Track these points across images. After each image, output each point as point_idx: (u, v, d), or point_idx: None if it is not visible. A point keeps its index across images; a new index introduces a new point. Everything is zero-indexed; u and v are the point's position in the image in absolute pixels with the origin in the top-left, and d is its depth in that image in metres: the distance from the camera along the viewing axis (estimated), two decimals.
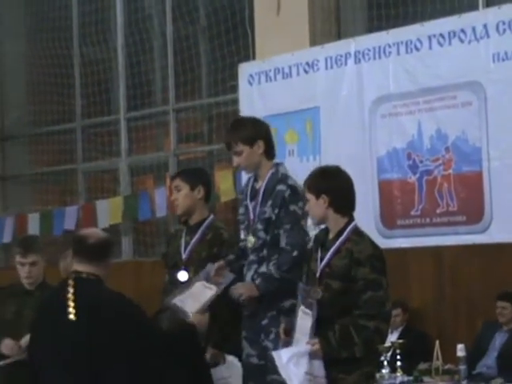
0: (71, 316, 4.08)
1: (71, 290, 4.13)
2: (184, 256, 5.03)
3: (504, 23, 7.07)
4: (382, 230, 7.70)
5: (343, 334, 3.94)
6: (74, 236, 4.47)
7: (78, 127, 10.92)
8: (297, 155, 8.25)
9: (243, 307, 4.70)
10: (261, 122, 4.93)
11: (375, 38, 7.85)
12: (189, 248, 5.02)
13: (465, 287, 7.38)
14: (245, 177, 7.17)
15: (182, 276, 4.98)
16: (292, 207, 4.63)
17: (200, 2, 9.88)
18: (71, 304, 4.09)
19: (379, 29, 8.10)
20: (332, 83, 8.04)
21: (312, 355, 3.95)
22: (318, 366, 3.96)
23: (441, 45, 7.40)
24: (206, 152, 9.92)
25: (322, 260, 4.11)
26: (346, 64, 7.96)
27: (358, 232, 4.12)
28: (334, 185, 4.13)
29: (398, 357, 6.37)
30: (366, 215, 7.15)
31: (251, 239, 4.72)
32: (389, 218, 7.74)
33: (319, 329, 3.97)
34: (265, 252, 4.69)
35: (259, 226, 4.69)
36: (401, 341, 6.63)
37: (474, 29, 7.20)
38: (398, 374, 6.33)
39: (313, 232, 4.48)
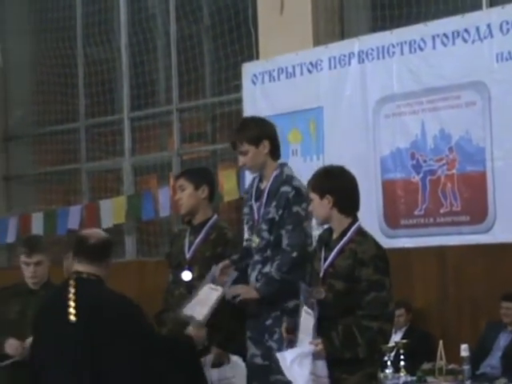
0: (71, 317, 4.08)
1: (72, 291, 4.14)
2: (188, 256, 5.03)
3: (508, 23, 7.07)
4: (386, 229, 7.70)
5: (346, 334, 3.94)
6: (74, 236, 4.48)
7: (81, 127, 10.93)
8: (300, 155, 8.25)
9: (239, 308, 4.70)
10: (267, 122, 4.92)
11: (379, 38, 7.85)
12: (193, 248, 5.02)
13: (468, 287, 7.38)
14: (248, 176, 7.18)
15: (186, 276, 4.99)
16: (295, 208, 4.63)
17: (203, 2, 9.89)
18: (72, 304, 4.10)
19: (383, 29, 8.10)
20: (336, 83, 8.04)
21: (315, 355, 3.95)
22: (321, 366, 3.96)
23: (444, 45, 7.40)
24: (210, 152, 9.92)
25: (325, 260, 4.10)
26: (349, 64, 7.96)
27: (361, 232, 4.12)
28: (338, 185, 4.12)
29: (402, 357, 6.41)
30: (370, 215, 7.15)
31: (255, 239, 4.73)
32: (392, 218, 7.74)
33: (322, 329, 3.96)
34: (269, 252, 4.69)
35: (263, 227, 4.70)
36: (404, 341, 6.68)
37: (477, 29, 7.20)
38: (402, 374, 6.36)
39: (316, 232, 4.48)
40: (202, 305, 4.65)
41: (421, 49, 7.55)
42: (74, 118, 10.99)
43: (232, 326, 4.76)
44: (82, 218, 10.07)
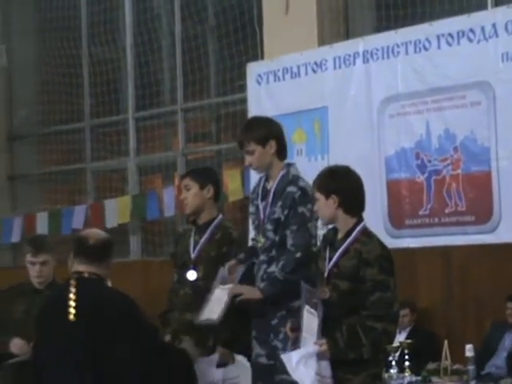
0: (71, 316, 4.09)
1: (73, 290, 4.15)
2: (193, 255, 5.03)
3: None
4: (391, 229, 7.69)
5: (351, 335, 3.93)
6: (74, 237, 4.49)
7: (86, 127, 10.94)
8: (305, 155, 8.25)
9: (240, 308, 4.70)
10: (274, 122, 4.92)
11: (384, 38, 7.84)
12: (198, 247, 5.03)
13: (473, 287, 7.37)
14: (253, 176, 7.20)
15: (191, 275, 4.99)
16: (300, 209, 4.63)
17: (208, 2, 9.89)
18: (72, 304, 4.11)
19: (388, 28, 8.09)
20: (340, 83, 8.04)
21: (319, 356, 3.95)
22: (325, 367, 3.96)
23: (449, 44, 7.39)
24: (215, 151, 9.93)
25: (330, 260, 4.10)
26: (354, 64, 7.96)
27: (366, 232, 4.11)
28: (343, 185, 4.12)
29: (407, 357, 6.41)
30: (375, 215, 7.14)
31: (261, 239, 4.73)
32: (397, 218, 7.73)
33: (327, 329, 3.96)
34: (274, 252, 4.69)
35: (269, 227, 4.70)
36: (409, 341, 6.68)
37: (482, 28, 7.19)
38: (407, 374, 6.36)
39: (320, 231, 4.48)
40: (217, 305, 4.67)
41: (426, 49, 7.54)
42: (78, 118, 11.00)
43: (237, 325, 4.76)
44: (87, 217, 10.07)
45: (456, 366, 6.47)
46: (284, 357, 4.03)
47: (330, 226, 4.24)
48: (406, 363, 6.38)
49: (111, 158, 10.75)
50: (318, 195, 4.14)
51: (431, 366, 6.62)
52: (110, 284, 4.61)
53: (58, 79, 11.12)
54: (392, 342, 4.27)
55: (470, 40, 7.29)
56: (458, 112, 7.37)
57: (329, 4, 8.56)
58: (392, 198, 7.76)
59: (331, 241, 4.16)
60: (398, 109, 7.72)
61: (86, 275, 4.19)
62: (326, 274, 4.08)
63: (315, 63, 8.23)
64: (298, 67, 8.35)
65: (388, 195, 7.77)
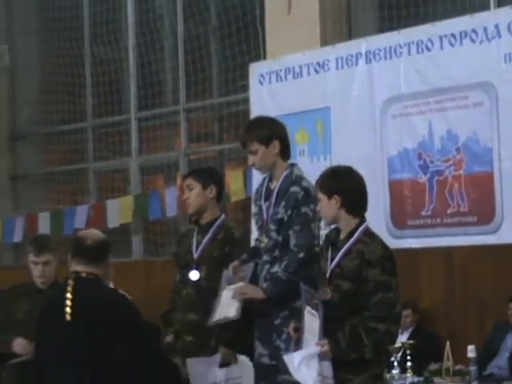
0: (67, 316, 4.10)
1: (70, 290, 4.16)
2: (195, 255, 5.03)
3: None
4: (393, 230, 7.69)
5: (353, 335, 3.93)
6: (71, 238, 4.49)
7: (88, 127, 10.95)
8: (307, 155, 8.25)
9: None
10: (277, 122, 4.92)
11: (386, 38, 7.84)
12: (200, 247, 5.03)
13: (475, 288, 7.37)
14: (256, 176, 7.20)
15: (194, 275, 5.00)
16: (303, 209, 4.63)
17: (211, 2, 9.90)
18: (68, 304, 4.12)
19: (390, 29, 8.09)
20: (343, 83, 8.04)
21: (321, 356, 3.95)
22: (327, 367, 3.96)
23: (452, 45, 7.39)
24: (217, 151, 9.93)
25: (332, 260, 4.10)
26: (356, 64, 7.96)
27: (369, 233, 4.11)
28: (346, 185, 4.12)
29: (409, 357, 6.40)
30: (377, 215, 7.13)
31: (264, 239, 4.73)
32: (399, 219, 7.73)
33: (328, 329, 3.96)
34: (277, 252, 4.70)
35: (272, 227, 4.70)
36: (411, 341, 6.67)
37: (485, 29, 7.19)
38: (408, 375, 6.35)
39: (323, 231, 4.48)
40: (229, 305, 4.66)
41: (428, 49, 7.54)
42: (81, 118, 11.00)
43: (240, 325, 4.76)
44: (89, 217, 10.08)
45: (458, 367, 6.46)
46: (286, 357, 4.03)
47: (333, 226, 4.24)
48: (408, 364, 6.37)
49: (113, 158, 10.75)
50: (321, 195, 4.14)
51: (433, 366, 6.61)
52: (112, 285, 4.63)
53: (61, 79, 11.13)
54: (394, 343, 4.27)
55: (473, 40, 7.28)
56: (460, 113, 7.37)
57: (331, 4, 8.55)
58: (394, 198, 7.76)
59: (333, 241, 4.16)
60: (400, 109, 7.72)
61: (84, 275, 4.20)
62: (328, 275, 4.08)
63: (317, 63, 8.23)
64: (301, 67, 8.35)
65: (390, 196, 7.76)
